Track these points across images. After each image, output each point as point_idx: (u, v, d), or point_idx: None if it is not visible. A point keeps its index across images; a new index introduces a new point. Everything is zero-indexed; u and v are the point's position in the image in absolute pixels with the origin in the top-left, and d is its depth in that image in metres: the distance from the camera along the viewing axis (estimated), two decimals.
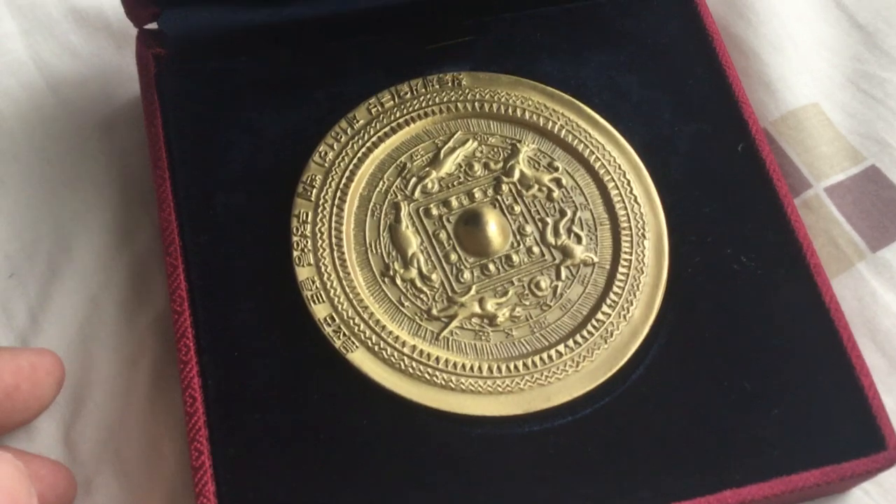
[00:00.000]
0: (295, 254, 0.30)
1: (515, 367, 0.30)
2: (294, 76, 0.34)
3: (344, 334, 0.29)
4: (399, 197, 0.32)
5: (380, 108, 0.33)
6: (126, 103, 0.38)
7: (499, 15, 0.37)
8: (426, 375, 0.29)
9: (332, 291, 0.30)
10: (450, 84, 0.34)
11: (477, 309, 0.30)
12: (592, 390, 0.30)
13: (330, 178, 0.31)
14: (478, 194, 0.32)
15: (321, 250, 0.30)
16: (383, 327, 0.30)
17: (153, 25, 0.33)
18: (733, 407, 0.31)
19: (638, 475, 0.29)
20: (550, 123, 0.33)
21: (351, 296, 0.30)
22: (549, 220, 0.32)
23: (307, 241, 0.30)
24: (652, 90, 0.36)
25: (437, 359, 0.30)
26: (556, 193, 0.32)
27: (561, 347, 0.30)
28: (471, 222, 0.31)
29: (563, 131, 0.33)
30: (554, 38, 0.37)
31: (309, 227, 0.30)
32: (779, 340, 0.32)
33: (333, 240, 0.30)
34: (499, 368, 0.30)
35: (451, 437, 0.29)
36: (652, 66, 0.37)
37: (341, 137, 0.32)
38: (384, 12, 0.35)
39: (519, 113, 0.33)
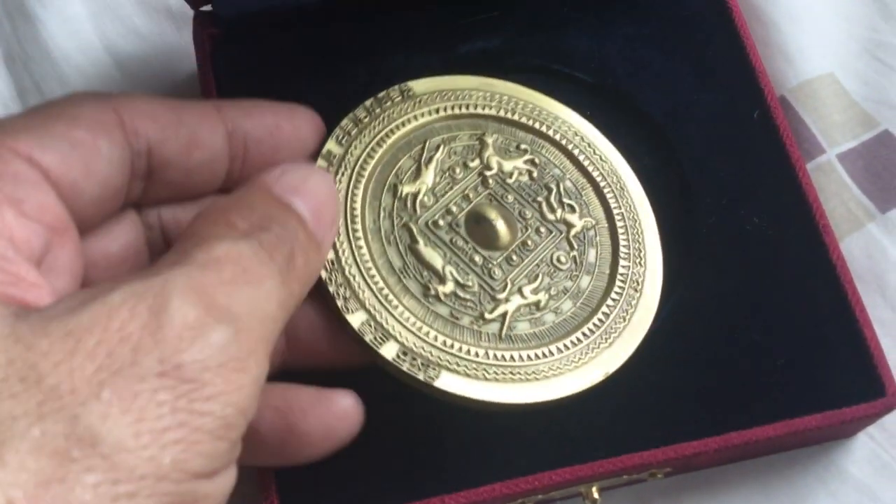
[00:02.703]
0: (340, 303, 0.29)
1: (577, 339, 0.30)
2: (335, 51, 0.36)
3: (422, 364, 0.28)
4: (405, 218, 0.31)
5: (348, 137, 0.32)
6: (186, 78, 0.40)
7: None
8: (510, 375, 0.29)
9: (392, 328, 0.29)
10: (401, 97, 0.33)
11: (520, 299, 0.31)
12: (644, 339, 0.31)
13: (339, 237, 0.30)
14: (471, 195, 0.32)
15: (362, 291, 0.29)
16: (451, 345, 0.29)
17: (208, 8, 0.36)
18: (742, 356, 0.33)
19: (650, 417, 0.31)
20: (503, 110, 0.34)
21: (410, 327, 0.29)
22: (540, 199, 0.33)
23: (345, 288, 0.29)
24: (673, 61, 0.38)
25: (512, 356, 0.30)
26: (535, 172, 0.33)
27: (605, 308, 0.31)
28: (480, 222, 0.32)
29: (517, 114, 0.34)
30: (580, 13, 0.38)
31: (339, 274, 0.29)
32: (787, 295, 0.34)
33: (368, 279, 0.29)
34: (565, 345, 0.30)
35: (556, 424, 0.31)
36: (673, 38, 0.38)
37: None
38: None
39: (472, 108, 0.34)
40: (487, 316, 0.30)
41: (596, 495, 0.32)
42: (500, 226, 0.32)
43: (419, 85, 0.34)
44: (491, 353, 0.29)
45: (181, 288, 0.20)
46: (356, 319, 0.29)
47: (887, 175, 0.38)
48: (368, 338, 0.28)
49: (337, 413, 0.26)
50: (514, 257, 0.31)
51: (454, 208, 0.32)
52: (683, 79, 0.38)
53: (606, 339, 0.31)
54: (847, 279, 0.34)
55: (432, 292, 0.30)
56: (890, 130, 0.39)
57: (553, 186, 0.33)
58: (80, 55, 0.42)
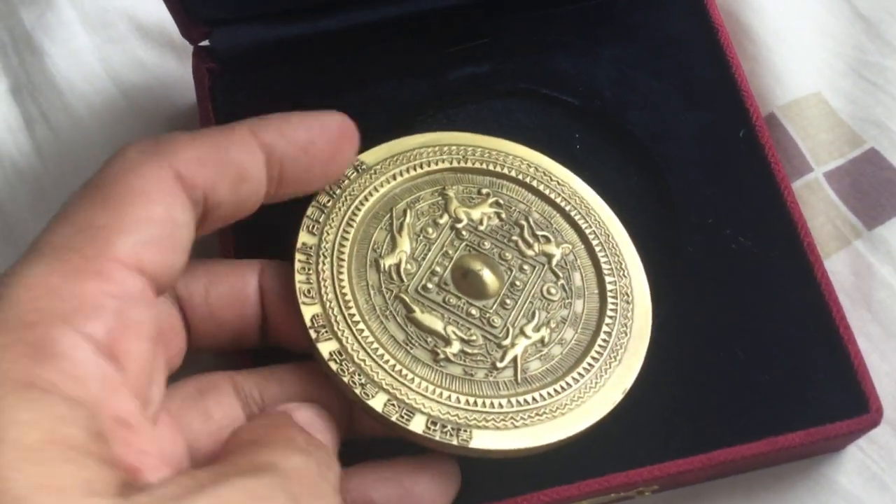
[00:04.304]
0: (358, 391, 0.28)
1: (589, 364, 0.31)
2: (329, 82, 0.38)
3: (452, 429, 0.28)
4: (395, 290, 0.31)
5: (317, 225, 0.32)
6: (188, 107, 0.42)
7: (516, 15, 0.39)
8: (537, 417, 0.29)
9: (414, 401, 0.29)
10: (356, 173, 0.33)
11: (526, 340, 0.31)
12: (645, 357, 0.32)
13: (332, 313, 0.30)
14: (450, 251, 0.32)
15: (376, 374, 0.29)
16: (474, 403, 0.29)
17: (206, 43, 0.37)
18: (727, 374, 0.33)
19: (635, 436, 0.32)
20: (454, 160, 0.34)
21: (431, 396, 0.29)
22: (515, 237, 0.33)
23: (358, 375, 0.29)
24: (659, 81, 0.39)
25: (534, 398, 0.30)
26: (503, 213, 0.33)
27: (605, 327, 0.32)
28: (466, 275, 0.32)
29: (469, 160, 0.34)
30: (568, 36, 0.39)
31: (349, 363, 0.29)
32: (772, 313, 0.34)
33: (377, 359, 0.29)
34: (580, 374, 0.31)
35: (591, 452, 0.31)
36: (660, 59, 0.39)
37: (309, 269, 0.31)
38: (408, 20, 0.38)
39: (426, 166, 0.34)
40: (499, 365, 0.30)
41: None
42: (486, 274, 0.32)
43: (369, 156, 0.34)
44: (513, 400, 0.30)
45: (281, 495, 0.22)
46: (378, 403, 0.28)
47: (874, 192, 0.38)
48: (394, 417, 0.28)
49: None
50: (508, 301, 0.32)
51: (438, 268, 0.32)
52: (670, 99, 0.38)
53: (615, 356, 0.31)
54: (832, 297, 0.35)
55: (441, 356, 0.30)
56: (876, 148, 0.39)
57: (523, 222, 0.33)
58: (86, 85, 0.43)
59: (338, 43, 0.38)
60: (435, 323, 0.31)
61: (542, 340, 0.31)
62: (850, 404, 0.33)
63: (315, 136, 0.29)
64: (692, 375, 0.34)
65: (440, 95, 0.37)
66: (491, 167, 0.34)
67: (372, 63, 0.38)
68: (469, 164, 0.34)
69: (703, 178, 0.37)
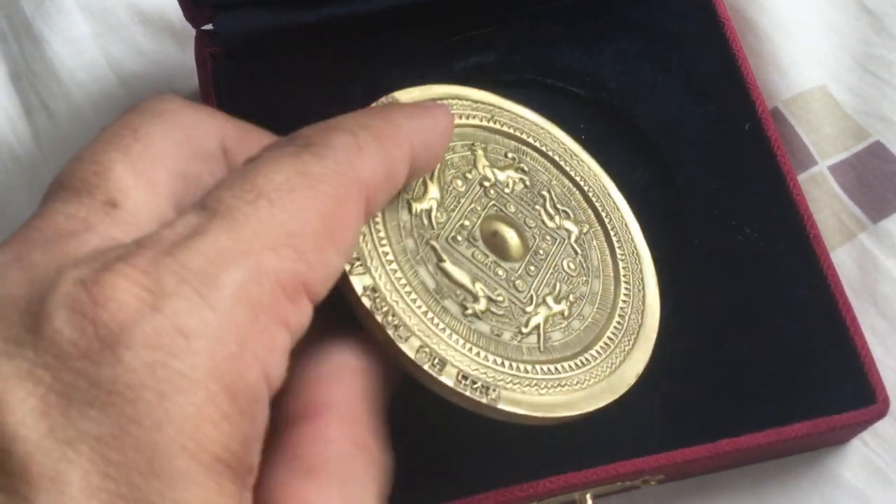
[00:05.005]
0: (391, 333, 0.26)
1: (606, 343, 0.30)
2: (333, 69, 0.37)
3: (482, 387, 0.27)
4: (427, 236, 0.29)
5: None
6: (189, 95, 0.41)
7: (521, 9, 0.39)
8: (559, 388, 0.28)
9: (445, 352, 0.27)
10: None
11: (547, 310, 0.30)
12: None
13: (366, 247, 0.28)
14: (478, 207, 0.31)
15: (409, 317, 0.27)
16: (503, 364, 0.28)
17: (209, 27, 0.37)
18: (733, 364, 0.33)
19: (643, 424, 0.32)
20: (484, 119, 0.33)
21: (462, 349, 0.27)
22: (538, 207, 0.32)
23: (392, 316, 0.27)
24: (665, 75, 0.39)
25: (556, 368, 0.29)
26: (527, 181, 0.33)
27: (618, 314, 0.31)
28: (495, 234, 0.31)
29: (497, 122, 0.33)
30: (573, 29, 0.39)
31: (382, 301, 0.27)
32: (779, 304, 0.34)
33: (410, 303, 0.27)
34: (598, 352, 0.30)
35: (546, 432, 0.30)
36: (665, 52, 0.39)
37: None
38: (413, 9, 0.38)
39: (456, 118, 0.32)
40: (524, 330, 0.29)
41: (590, 502, 0.32)
42: (513, 236, 0.31)
43: (404, 95, 0.32)
44: (537, 367, 0.29)
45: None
46: (411, 348, 0.26)
47: (879, 186, 0.38)
48: (426, 366, 0.26)
49: None
50: (532, 268, 0.31)
51: (467, 222, 0.31)
52: (675, 92, 0.38)
53: (630, 338, 0.31)
54: (838, 288, 0.34)
55: (469, 311, 0.28)
56: (881, 142, 0.39)
57: (545, 193, 0.33)
58: (85, 73, 0.43)
59: (343, 31, 0.38)
60: (464, 277, 0.29)
61: (562, 313, 0.30)
62: (857, 395, 0.33)
63: (440, 136, 0.28)
64: (698, 366, 0.33)
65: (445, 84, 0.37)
66: (517, 133, 0.34)
67: (377, 51, 0.38)
68: (496, 126, 0.33)
69: (708, 170, 0.37)
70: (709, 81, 0.39)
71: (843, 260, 0.38)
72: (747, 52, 0.40)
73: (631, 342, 0.31)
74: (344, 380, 0.24)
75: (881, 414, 0.33)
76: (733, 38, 0.39)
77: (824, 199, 0.39)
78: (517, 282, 0.30)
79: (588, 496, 0.32)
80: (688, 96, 0.38)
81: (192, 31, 0.38)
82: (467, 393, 0.27)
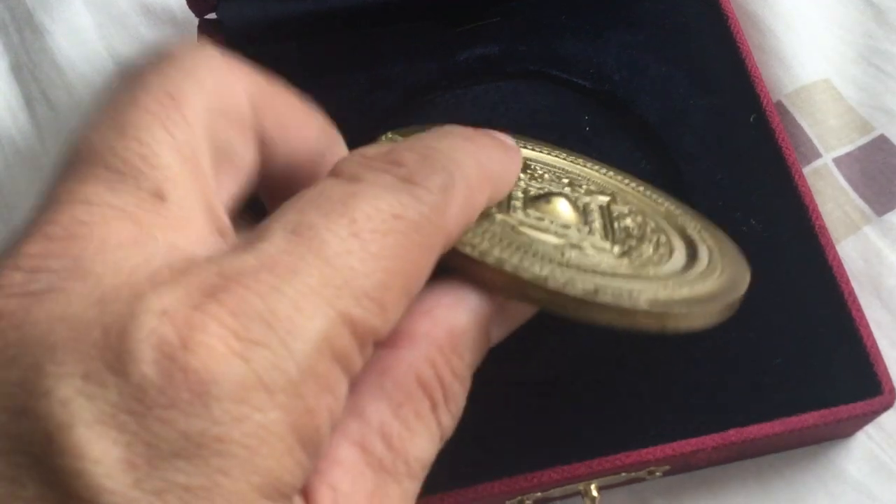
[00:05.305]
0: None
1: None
2: (337, 60, 0.37)
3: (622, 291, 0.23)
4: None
5: None
6: None
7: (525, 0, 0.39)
8: (706, 279, 0.27)
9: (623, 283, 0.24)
10: None
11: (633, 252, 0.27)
12: None
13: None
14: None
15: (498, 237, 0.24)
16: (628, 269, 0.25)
17: (212, 15, 0.37)
18: (740, 356, 0.33)
19: (649, 415, 0.32)
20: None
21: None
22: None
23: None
24: (669, 67, 0.39)
25: (686, 271, 0.27)
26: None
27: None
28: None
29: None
30: (577, 21, 0.39)
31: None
32: (784, 296, 0.34)
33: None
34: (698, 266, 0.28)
35: (552, 421, 0.30)
36: (669, 45, 0.39)
37: None
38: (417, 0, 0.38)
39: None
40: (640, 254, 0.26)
41: (595, 493, 0.32)
42: (565, 206, 0.27)
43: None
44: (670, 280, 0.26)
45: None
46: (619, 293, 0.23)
47: (883, 179, 0.38)
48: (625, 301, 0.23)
49: None
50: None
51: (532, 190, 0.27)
52: (680, 84, 0.38)
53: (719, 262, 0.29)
54: (843, 279, 0.34)
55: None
56: (886, 135, 0.39)
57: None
58: (87, 64, 0.43)
59: (346, 21, 0.38)
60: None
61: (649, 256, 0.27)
62: (863, 386, 0.33)
63: (511, 178, 0.26)
64: (705, 356, 0.33)
65: (449, 76, 0.37)
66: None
67: (381, 42, 0.38)
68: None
69: (713, 162, 0.37)
70: (713, 73, 0.39)
71: (847, 253, 0.38)
72: (750, 47, 0.40)
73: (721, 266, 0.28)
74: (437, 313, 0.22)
75: (888, 405, 0.33)
76: (737, 31, 0.39)
77: (829, 191, 0.38)
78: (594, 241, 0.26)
79: (593, 487, 0.32)
80: (692, 88, 0.38)
81: (195, 21, 0.38)
82: (608, 300, 0.23)
